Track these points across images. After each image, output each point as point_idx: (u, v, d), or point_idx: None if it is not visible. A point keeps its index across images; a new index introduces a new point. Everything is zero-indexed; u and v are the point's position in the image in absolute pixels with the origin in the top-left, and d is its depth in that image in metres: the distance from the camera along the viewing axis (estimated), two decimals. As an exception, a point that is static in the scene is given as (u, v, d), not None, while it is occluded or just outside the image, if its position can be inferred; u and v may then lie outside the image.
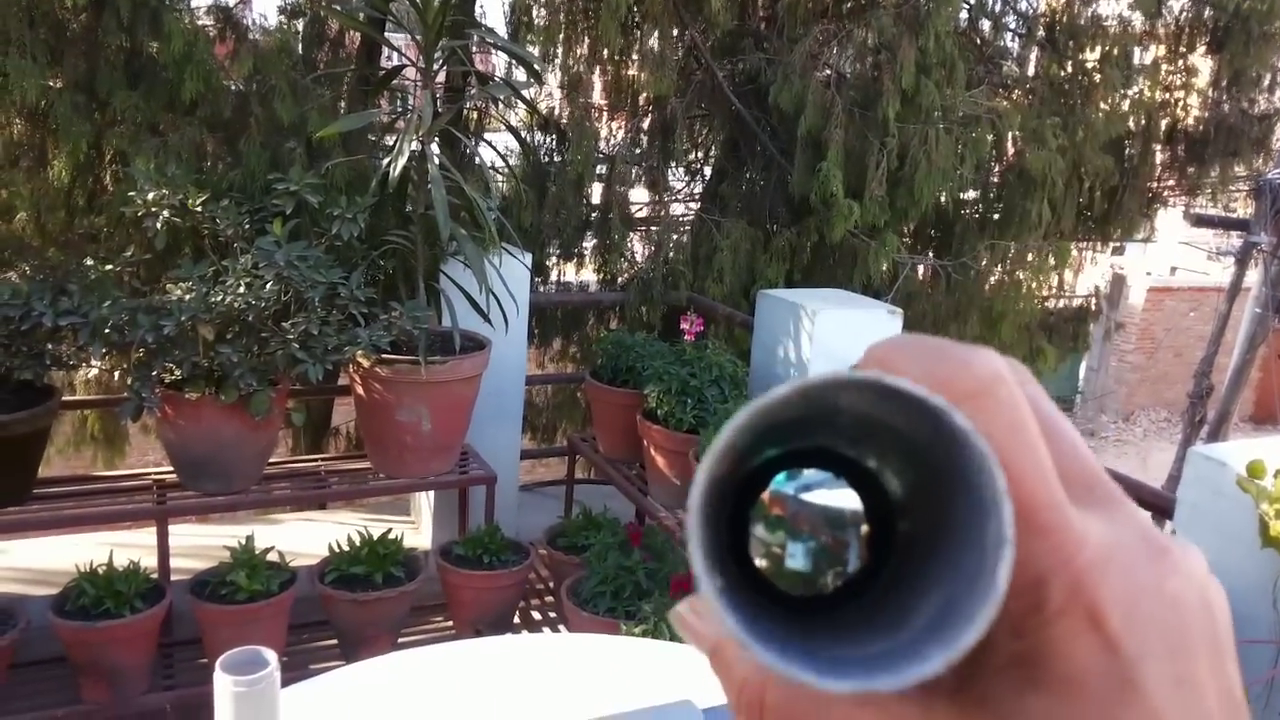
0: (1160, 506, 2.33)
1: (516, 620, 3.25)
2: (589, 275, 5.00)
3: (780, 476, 0.33)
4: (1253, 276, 8.01)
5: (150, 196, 2.74)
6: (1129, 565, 0.27)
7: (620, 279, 4.70)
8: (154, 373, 2.64)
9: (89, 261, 2.80)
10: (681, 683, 1.48)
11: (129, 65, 3.35)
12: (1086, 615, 0.26)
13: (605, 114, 4.97)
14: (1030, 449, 0.27)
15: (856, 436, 0.31)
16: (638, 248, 4.95)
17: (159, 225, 2.73)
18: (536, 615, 3.41)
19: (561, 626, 3.17)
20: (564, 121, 4.61)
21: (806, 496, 0.33)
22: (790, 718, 0.29)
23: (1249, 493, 1.85)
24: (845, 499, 0.33)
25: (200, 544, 3.20)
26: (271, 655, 1.19)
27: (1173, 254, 12.34)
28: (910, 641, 0.26)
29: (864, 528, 0.33)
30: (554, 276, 4.87)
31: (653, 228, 4.88)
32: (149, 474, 3.04)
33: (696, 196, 5.20)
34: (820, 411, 0.29)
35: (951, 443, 0.26)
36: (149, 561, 2.79)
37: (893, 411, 0.27)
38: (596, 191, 4.73)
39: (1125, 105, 5.26)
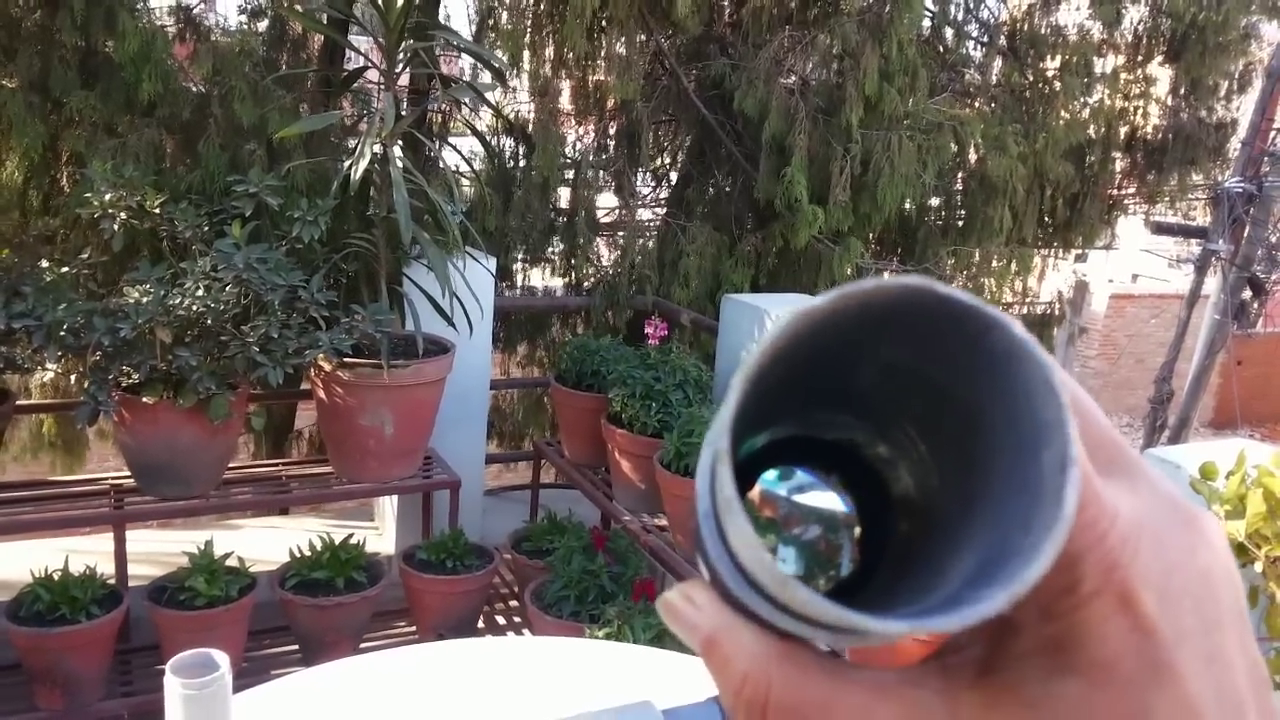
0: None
1: (480, 625, 3.23)
2: (555, 280, 4.99)
3: (772, 476, 0.32)
4: (1212, 283, 8.14)
5: (107, 198, 2.70)
6: (1160, 539, 0.26)
7: (586, 284, 4.70)
8: (111, 376, 2.60)
9: (44, 263, 2.76)
10: (642, 684, 1.48)
11: (85, 65, 3.30)
12: (1119, 597, 0.25)
13: (572, 119, 4.97)
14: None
15: (877, 397, 0.29)
16: (604, 252, 4.95)
17: (116, 227, 2.69)
18: (501, 620, 3.39)
19: (525, 631, 3.16)
20: (530, 126, 4.61)
21: (799, 498, 0.32)
22: (798, 713, 0.27)
23: (1202, 494, 1.88)
24: (837, 503, 0.32)
25: (159, 550, 3.16)
26: (223, 658, 1.17)
27: (1135, 261, 12.53)
28: (949, 598, 0.25)
29: (857, 530, 0.32)
30: (520, 281, 4.86)
31: (619, 233, 4.88)
32: (106, 479, 3.00)
33: (663, 201, 5.21)
34: (845, 357, 0.27)
35: (1000, 367, 0.25)
36: (106, 568, 2.75)
37: (932, 341, 0.26)
38: (564, 196, 4.73)
39: (1085, 114, 5.33)
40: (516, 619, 3.35)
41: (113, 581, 2.73)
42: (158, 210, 2.75)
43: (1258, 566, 1.57)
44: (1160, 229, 8.13)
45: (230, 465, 3.08)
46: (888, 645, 0.28)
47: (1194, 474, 1.91)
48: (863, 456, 0.31)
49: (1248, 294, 8.03)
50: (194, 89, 3.44)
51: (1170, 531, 0.27)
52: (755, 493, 0.31)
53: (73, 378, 2.78)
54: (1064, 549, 0.25)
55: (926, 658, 0.29)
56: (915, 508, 0.30)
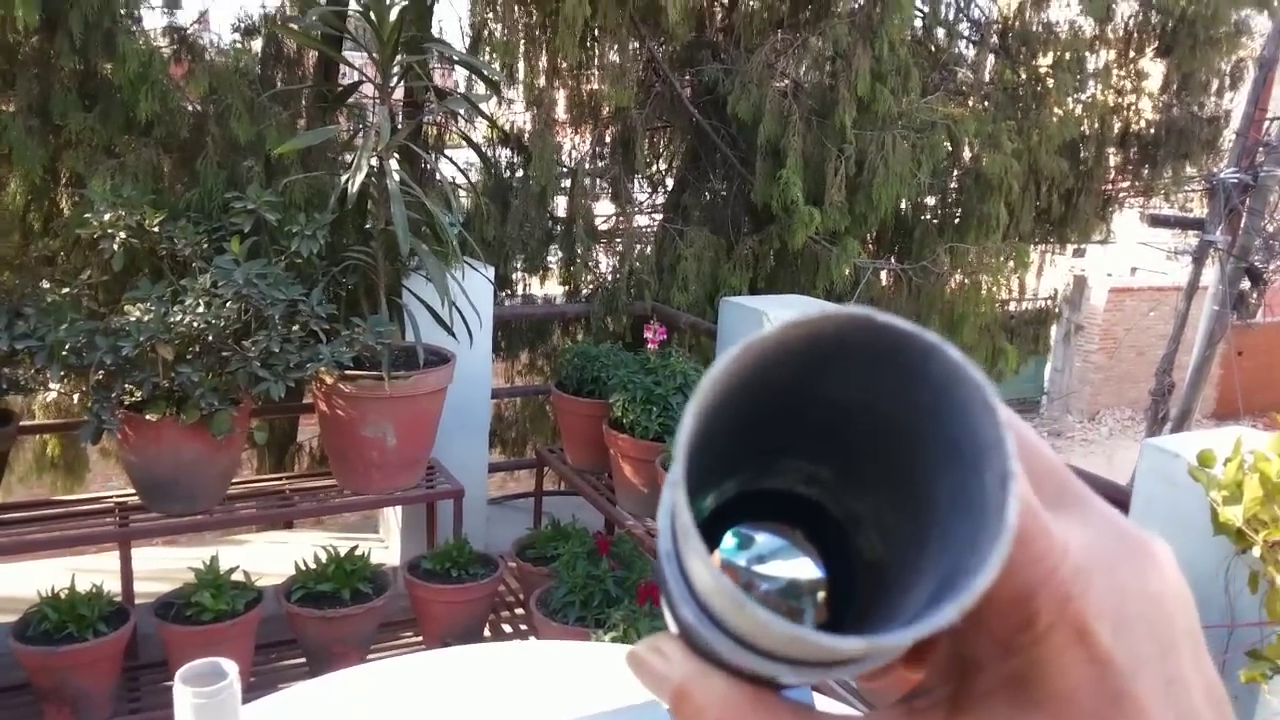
0: (1116, 500, 2.37)
1: (486, 633, 3.24)
2: (555, 288, 5.01)
3: (732, 544, 0.31)
4: (1210, 275, 8.15)
5: (107, 218, 2.72)
6: (1111, 568, 0.27)
7: (585, 290, 4.72)
8: (114, 395, 2.62)
9: (45, 284, 2.79)
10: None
11: (83, 87, 3.33)
12: (1075, 629, 0.26)
13: (567, 127, 4.99)
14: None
15: (829, 441, 0.30)
16: (602, 259, 4.97)
17: (116, 246, 2.71)
18: (507, 628, 3.40)
19: (532, 638, 3.17)
20: (526, 136, 4.63)
21: (760, 568, 0.32)
22: None
23: (1200, 482, 1.89)
24: (800, 568, 0.32)
25: (165, 567, 3.17)
26: (231, 666, 1.19)
27: (1132, 254, 12.52)
28: (907, 620, 0.25)
29: (821, 595, 0.32)
30: (519, 290, 4.88)
31: (617, 239, 4.90)
32: (111, 497, 3.01)
33: (659, 207, 5.23)
34: (796, 397, 0.28)
35: (941, 395, 0.25)
36: (113, 585, 2.76)
37: (878, 374, 0.26)
38: (561, 205, 4.75)
39: (1078, 109, 5.35)
40: (522, 626, 3.36)
41: (119, 599, 2.75)
42: (157, 229, 2.77)
43: (1256, 551, 1.58)
44: (1156, 221, 8.14)
45: (234, 480, 3.09)
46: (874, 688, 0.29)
47: (1192, 462, 1.92)
48: (823, 508, 0.32)
49: (1246, 284, 8.03)
50: (191, 108, 3.46)
51: (1121, 560, 0.27)
52: (715, 559, 0.31)
53: (76, 397, 2.79)
54: (1018, 585, 0.25)
55: (895, 703, 0.29)
56: (877, 550, 0.31)
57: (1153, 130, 5.80)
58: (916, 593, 0.26)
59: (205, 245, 2.84)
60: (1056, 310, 6.43)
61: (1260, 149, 7.65)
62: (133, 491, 2.92)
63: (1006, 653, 0.27)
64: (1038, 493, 0.27)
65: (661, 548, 0.28)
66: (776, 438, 0.29)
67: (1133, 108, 5.78)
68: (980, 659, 0.27)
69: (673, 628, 0.30)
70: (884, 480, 0.29)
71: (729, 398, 0.26)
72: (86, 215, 2.75)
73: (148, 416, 2.64)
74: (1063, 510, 0.28)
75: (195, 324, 2.61)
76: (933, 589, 0.25)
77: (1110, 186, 5.89)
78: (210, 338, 2.65)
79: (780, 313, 3.19)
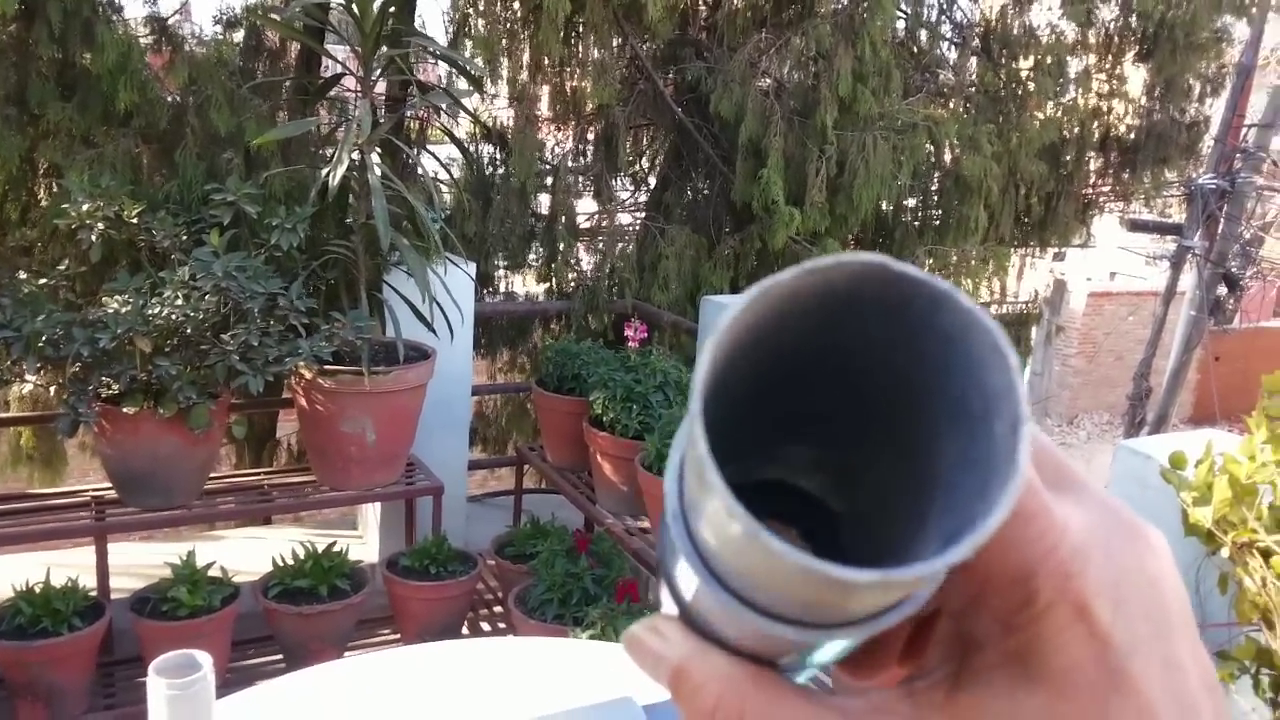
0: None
1: (465, 631, 3.23)
2: (536, 286, 5.01)
3: None
4: (1188, 280, 8.22)
5: (85, 208, 2.70)
6: (1109, 549, 0.27)
7: (566, 288, 4.72)
8: (90, 387, 2.60)
9: (22, 275, 2.76)
10: (625, 682, 1.50)
11: (62, 77, 3.30)
12: (1075, 606, 0.26)
13: (550, 124, 4.99)
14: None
15: (830, 399, 0.29)
16: (584, 257, 4.96)
17: (94, 237, 2.69)
18: (485, 625, 3.40)
19: (510, 635, 3.16)
20: (508, 132, 4.62)
21: None
22: None
23: (1171, 483, 1.91)
24: None
25: (141, 562, 3.15)
26: (205, 658, 1.18)
27: (1112, 259, 12.63)
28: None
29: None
30: (501, 287, 4.87)
31: (599, 238, 4.90)
32: (87, 490, 2.99)
33: (641, 205, 5.23)
34: (798, 362, 0.27)
35: (953, 345, 0.25)
36: (88, 580, 2.74)
37: (888, 324, 0.26)
38: (543, 202, 4.74)
39: (1059, 113, 5.38)
40: (500, 624, 3.36)
41: (95, 594, 2.72)
42: (135, 220, 2.75)
43: (1224, 552, 1.60)
44: (1135, 226, 8.20)
45: (212, 475, 3.07)
46: (870, 669, 0.29)
47: (1164, 464, 1.94)
48: (822, 505, 0.31)
49: (1223, 290, 8.11)
50: (170, 99, 3.43)
51: (1118, 542, 0.27)
52: None
53: (52, 389, 2.76)
54: (1018, 563, 0.26)
55: (897, 684, 0.29)
56: (880, 524, 0.30)
57: (1133, 135, 5.84)
58: (926, 547, 0.26)
59: (184, 237, 2.82)
60: (1036, 313, 6.47)
61: (1238, 155, 7.73)
62: (109, 485, 2.90)
63: (1006, 631, 0.27)
64: (1037, 473, 0.27)
65: (668, 507, 0.28)
66: (784, 403, 0.29)
67: (1113, 112, 5.82)
68: (980, 638, 0.27)
69: (670, 609, 0.29)
70: (888, 443, 0.29)
71: (742, 346, 0.26)
72: (64, 205, 2.72)
73: (125, 409, 2.62)
74: (1061, 492, 0.28)
75: (174, 316, 2.59)
76: (942, 541, 0.24)
77: (1090, 190, 5.93)
78: (189, 330, 2.63)
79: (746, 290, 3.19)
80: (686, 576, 0.27)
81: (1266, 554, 1.53)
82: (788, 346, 0.27)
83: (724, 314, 0.25)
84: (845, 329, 0.27)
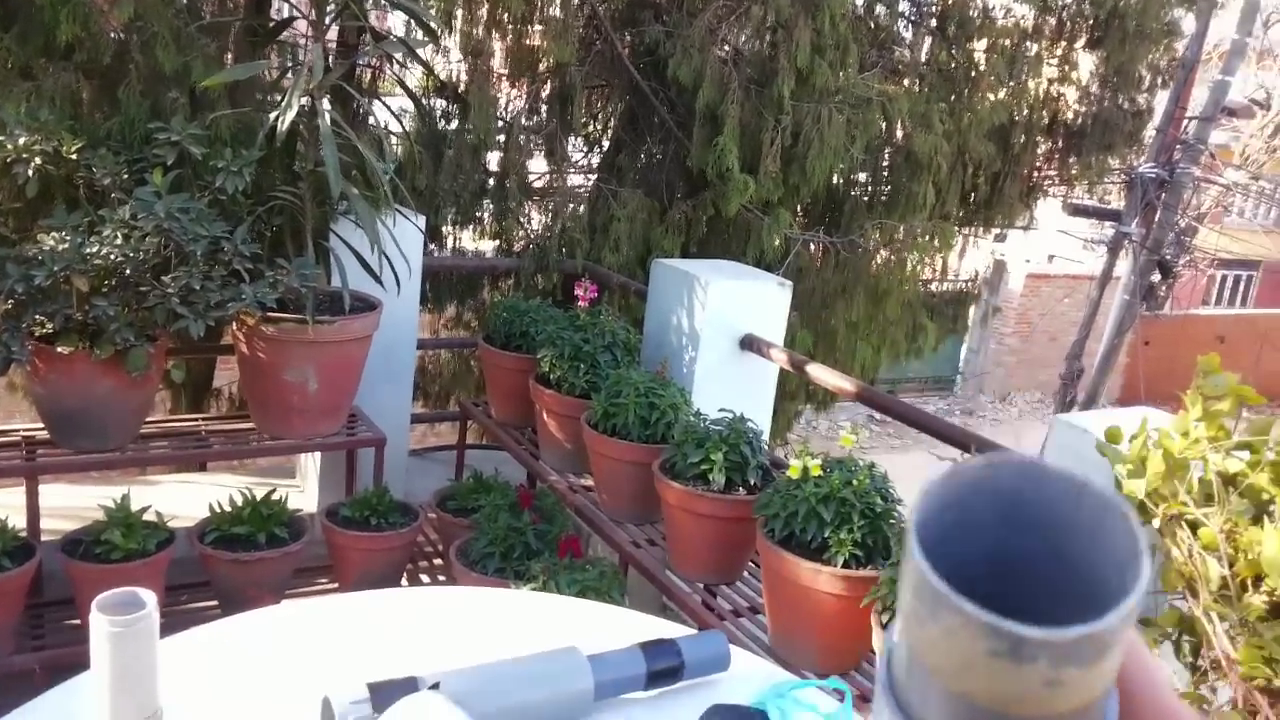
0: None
1: (404, 582, 3.24)
2: (486, 245, 4.97)
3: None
4: (1123, 266, 8.43)
5: (21, 141, 2.62)
6: None
7: (516, 246, 4.69)
8: (24, 325, 2.54)
9: (-47, 207, 2.67)
10: (568, 632, 1.51)
11: (1, 6, 3.17)
12: None
13: (505, 81, 4.92)
14: (1161, 671, 0.36)
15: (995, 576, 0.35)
16: (535, 216, 4.93)
17: (30, 172, 2.61)
18: (425, 578, 3.40)
19: (450, 586, 3.17)
20: (462, 87, 4.56)
21: None
22: None
23: (1106, 456, 1.97)
24: None
25: (73, 504, 3.09)
26: (150, 595, 1.17)
27: (1051, 242, 12.87)
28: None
29: None
30: (450, 243, 4.82)
31: (550, 198, 4.86)
32: (18, 430, 2.93)
33: (594, 167, 5.20)
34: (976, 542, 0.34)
35: (1088, 532, 0.32)
36: (18, 521, 2.69)
37: (1043, 507, 0.33)
38: (494, 159, 4.69)
39: (1008, 95, 5.45)
40: (441, 576, 3.37)
41: (24, 534, 2.68)
42: (75, 156, 2.67)
43: (1155, 524, 1.66)
44: (1076, 211, 8.37)
45: (148, 420, 3.02)
46: None
47: (1099, 437, 2.00)
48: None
49: (1156, 276, 8.33)
50: (114, 35, 3.32)
51: None
52: None
53: (-17, 327, 2.69)
54: None
55: None
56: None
57: (1080, 120, 5.94)
58: None
59: (125, 176, 2.75)
60: (976, 292, 6.59)
61: (1178, 146, 7.90)
62: (41, 426, 2.84)
63: None
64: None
65: (879, 678, 0.35)
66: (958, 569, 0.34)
67: (1063, 97, 5.91)
68: None
69: None
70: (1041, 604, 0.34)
71: (937, 511, 0.32)
72: (0, 138, 2.64)
73: (59, 349, 2.57)
74: None
75: (113, 256, 2.54)
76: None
77: (1036, 173, 6.03)
78: (128, 271, 2.58)
79: (710, 276, 3.21)
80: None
81: (1194, 525, 1.59)
82: (971, 524, 0.34)
83: (926, 483, 0.32)
84: (1011, 522, 0.34)
